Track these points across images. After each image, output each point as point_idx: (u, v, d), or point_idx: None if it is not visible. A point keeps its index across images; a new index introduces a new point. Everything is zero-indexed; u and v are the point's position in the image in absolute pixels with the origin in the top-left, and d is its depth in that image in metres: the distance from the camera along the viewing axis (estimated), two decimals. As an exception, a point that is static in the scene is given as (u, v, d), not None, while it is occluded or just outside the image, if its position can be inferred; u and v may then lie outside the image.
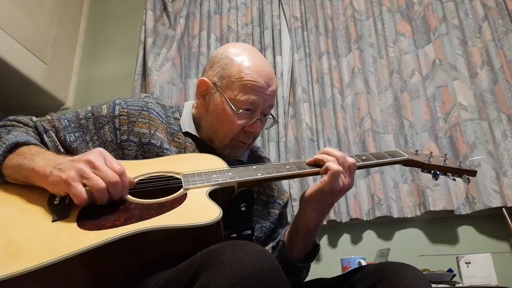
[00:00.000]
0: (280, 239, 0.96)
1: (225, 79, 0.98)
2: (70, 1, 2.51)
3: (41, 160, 0.77)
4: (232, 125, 0.97)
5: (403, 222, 1.83)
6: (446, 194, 1.72)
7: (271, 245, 1.02)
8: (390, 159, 0.95)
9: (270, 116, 1.06)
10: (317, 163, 0.90)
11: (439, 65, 1.93)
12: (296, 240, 0.93)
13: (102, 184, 0.71)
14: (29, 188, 0.79)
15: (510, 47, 1.86)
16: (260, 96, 0.97)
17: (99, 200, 0.72)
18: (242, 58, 0.99)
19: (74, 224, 0.69)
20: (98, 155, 0.75)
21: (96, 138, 0.94)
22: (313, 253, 0.96)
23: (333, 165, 0.85)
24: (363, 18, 2.17)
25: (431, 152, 0.99)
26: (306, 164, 0.90)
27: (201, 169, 0.85)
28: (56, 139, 0.92)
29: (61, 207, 0.73)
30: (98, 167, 0.73)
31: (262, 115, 1.01)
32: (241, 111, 0.96)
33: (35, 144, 0.84)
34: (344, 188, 0.87)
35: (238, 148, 1.02)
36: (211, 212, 0.71)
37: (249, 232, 0.84)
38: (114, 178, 0.73)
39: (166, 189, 0.81)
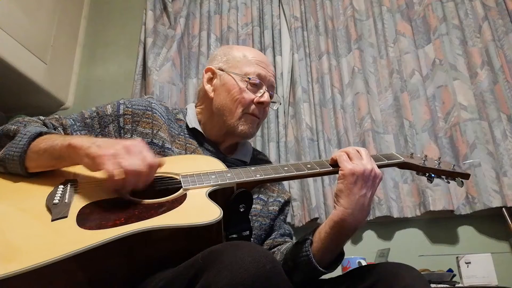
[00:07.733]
0: (309, 237, 0.90)
1: (230, 62, 1.09)
2: (70, 1, 2.50)
3: (76, 138, 0.79)
4: (242, 96, 1.02)
5: (403, 222, 1.82)
6: (446, 194, 1.72)
7: (290, 242, 1.03)
8: (386, 161, 0.95)
9: (274, 93, 1.12)
10: (323, 164, 0.91)
11: (439, 65, 1.94)
12: (328, 246, 0.89)
13: (131, 167, 0.72)
14: (29, 187, 0.79)
15: (510, 47, 1.86)
16: (264, 70, 1.07)
17: (128, 182, 0.73)
18: (242, 48, 1.14)
19: (74, 223, 0.68)
20: (137, 144, 0.77)
21: (100, 136, 0.95)
22: (335, 262, 0.92)
23: (346, 165, 0.85)
24: (363, 18, 2.17)
25: (426, 155, 1.00)
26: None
27: (200, 170, 0.86)
28: None
29: (60, 206, 0.73)
30: (133, 153, 0.74)
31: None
32: (249, 81, 1.03)
33: (57, 133, 0.86)
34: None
35: (251, 123, 1.04)
36: (212, 212, 0.71)
37: (247, 233, 0.84)
38: (143, 167, 0.73)
39: (165, 189, 0.81)
